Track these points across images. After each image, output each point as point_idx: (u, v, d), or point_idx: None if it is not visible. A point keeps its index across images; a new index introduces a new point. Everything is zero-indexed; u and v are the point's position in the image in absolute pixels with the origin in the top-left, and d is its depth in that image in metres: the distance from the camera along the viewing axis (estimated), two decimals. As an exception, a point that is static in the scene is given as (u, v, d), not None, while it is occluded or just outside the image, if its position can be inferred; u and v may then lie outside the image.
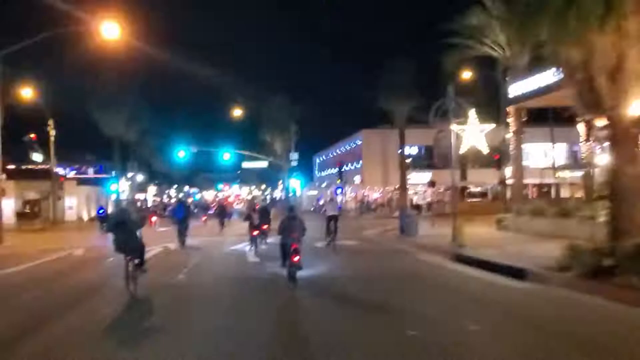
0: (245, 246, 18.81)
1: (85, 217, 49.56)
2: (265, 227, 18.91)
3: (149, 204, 67.21)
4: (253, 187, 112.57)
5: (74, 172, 57.86)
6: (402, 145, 44.35)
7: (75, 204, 47.55)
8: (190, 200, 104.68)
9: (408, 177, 48.04)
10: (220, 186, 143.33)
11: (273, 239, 17.52)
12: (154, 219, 33.21)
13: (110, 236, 10.74)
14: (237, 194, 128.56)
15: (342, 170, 43.20)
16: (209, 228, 31.32)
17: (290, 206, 13.95)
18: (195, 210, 45.40)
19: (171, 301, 9.90)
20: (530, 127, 30.04)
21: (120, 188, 51.29)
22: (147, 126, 54.73)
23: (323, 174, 70.84)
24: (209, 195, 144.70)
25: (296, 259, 10.72)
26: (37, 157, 31.08)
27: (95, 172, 61.40)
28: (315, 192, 68.74)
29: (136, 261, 10.12)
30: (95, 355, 6.47)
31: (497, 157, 35.63)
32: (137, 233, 10.40)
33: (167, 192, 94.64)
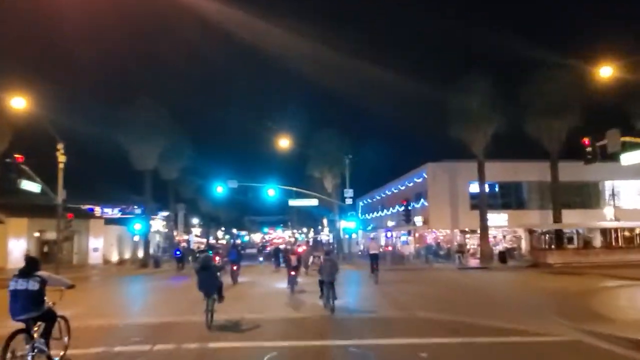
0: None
1: (115, 259, 40.71)
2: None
3: (192, 245, 58.23)
4: (296, 230, 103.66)
5: (119, 211, 49.75)
6: (481, 180, 33.66)
7: (101, 245, 38.72)
8: (238, 242, 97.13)
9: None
10: (266, 229, 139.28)
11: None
12: (217, 258, 28.21)
13: (195, 277, 11.61)
14: (282, 237, 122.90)
15: (409, 208, 32.73)
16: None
17: (327, 250, 18.53)
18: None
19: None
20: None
21: (153, 227, 42.57)
22: (186, 161, 46.45)
23: (368, 216, 60.23)
24: (256, 237, 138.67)
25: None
26: (28, 185, 22.11)
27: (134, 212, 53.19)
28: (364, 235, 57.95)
29: (215, 296, 11.13)
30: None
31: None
32: (218, 274, 11.71)
33: (213, 234, 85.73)
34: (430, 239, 39.94)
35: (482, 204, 33.97)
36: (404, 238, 50.90)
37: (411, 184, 44.45)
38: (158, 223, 45.65)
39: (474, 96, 32.83)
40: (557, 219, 33.39)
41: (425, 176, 40.07)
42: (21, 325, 6.86)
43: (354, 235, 42.19)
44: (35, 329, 7.01)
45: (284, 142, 36.43)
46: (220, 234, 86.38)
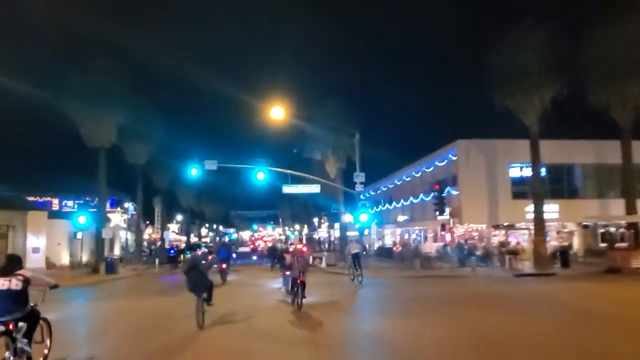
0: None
1: (65, 262, 32.12)
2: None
3: (167, 244, 49.67)
4: (287, 227, 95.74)
5: (79, 203, 40.84)
6: (536, 160, 25.71)
7: (43, 244, 30.09)
8: (226, 239, 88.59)
9: (526, 209, 29.33)
10: (256, 226, 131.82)
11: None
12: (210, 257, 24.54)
13: (184, 278, 11.02)
14: (271, 235, 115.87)
15: (442, 195, 24.47)
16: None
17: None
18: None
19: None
20: None
21: (113, 222, 34.17)
22: (158, 143, 37.91)
23: (371, 211, 51.82)
24: (245, 235, 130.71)
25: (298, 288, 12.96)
26: None
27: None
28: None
29: (204, 296, 10.79)
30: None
31: None
32: (207, 274, 11.21)
33: (196, 231, 76.34)
34: (455, 236, 31.68)
35: (537, 191, 25.93)
36: (413, 235, 43.11)
37: (430, 169, 36.32)
38: (118, 217, 37.09)
39: (529, 52, 24.93)
40: (632, 210, 25.50)
41: (453, 158, 31.96)
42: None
43: (365, 231, 33.85)
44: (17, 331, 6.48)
45: (277, 113, 28.05)
46: (204, 231, 77.54)
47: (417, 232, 41.67)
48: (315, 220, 58.72)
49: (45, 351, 7.25)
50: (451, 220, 30.29)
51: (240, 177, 38.23)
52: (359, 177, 28.94)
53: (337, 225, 46.24)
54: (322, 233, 58.47)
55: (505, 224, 30.71)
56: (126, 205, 34.44)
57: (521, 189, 30.44)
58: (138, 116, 33.71)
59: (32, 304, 6.82)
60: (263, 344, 8.98)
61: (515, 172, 30.90)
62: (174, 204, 61.73)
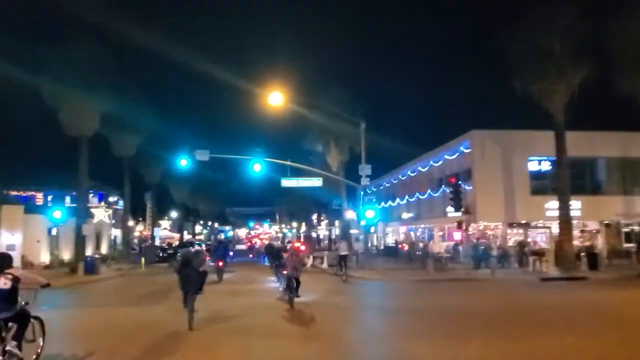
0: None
1: (44, 261, 29.49)
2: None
3: (157, 242, 47.05)
4: (284, 225, 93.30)
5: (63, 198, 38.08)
6: (561, 151, 23.31)
7: (19, 241, 27.41)
8: (221, 237, 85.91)
9: (545, 207, 27.00)
10: (252, 224, 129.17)
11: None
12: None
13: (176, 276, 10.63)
14: (267, 233, 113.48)
15: (459, 188, 21.90)
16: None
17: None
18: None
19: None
20: None
21: (97, 217, 31.61)
22: (148, 133, 35.27)
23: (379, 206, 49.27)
24: (241, 232, 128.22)
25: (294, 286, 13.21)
26: None
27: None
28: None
29: (194, 295, 10.28)
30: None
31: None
32: (200, 269, 10.71)
33: (190, 228, 73.39)
34: (468, 234, 29.09)
35: (563, 186, 23.48)
36: (417, 233, 40.64)
37: (439, 163, 33.83)
38: (102, 212, 34.42)
39: (555, 32, 22.51)
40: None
41: (466, 150, 29.44)
42: None
43: (372, 229, 31.24)
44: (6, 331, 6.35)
45: (276, 99, 25.47)
46: (198, 228, 74.83)
47: (422, 230, 39.22)
48: (314, 217, 56.16)
49: (38, 350, 7.07)
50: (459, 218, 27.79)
51: (236, 172, 35.83)
52: (365, 169, 26.43)
53: (338, 222, 43.82)
54: (321, 231, 55.90)
55: (522, 222, 28.24)
56: (111, 199, 31.78)
57: (541, 184, 28.02)
58: (125, 104, 31.03)
59: (22, 303, 6.65)
60: (257, 342, 8.92)
61: (534, 165, 28.47)
62: (167, 199, 59.08)
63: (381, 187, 48.94)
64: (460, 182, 22.58)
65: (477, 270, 23.33)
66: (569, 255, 22.63)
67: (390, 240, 45.91)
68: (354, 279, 22.33)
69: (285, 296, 13.95)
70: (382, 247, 32.89)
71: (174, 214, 62.92)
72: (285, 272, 15.73)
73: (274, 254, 22.97)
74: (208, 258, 27.77)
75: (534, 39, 22.82)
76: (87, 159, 27.46)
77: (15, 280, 6.41)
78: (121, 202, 42.53)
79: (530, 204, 27.53)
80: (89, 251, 37.62)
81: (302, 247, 19.13)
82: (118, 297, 16.96)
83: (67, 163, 32.34)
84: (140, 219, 52.37)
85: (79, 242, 27.11)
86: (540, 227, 28.38)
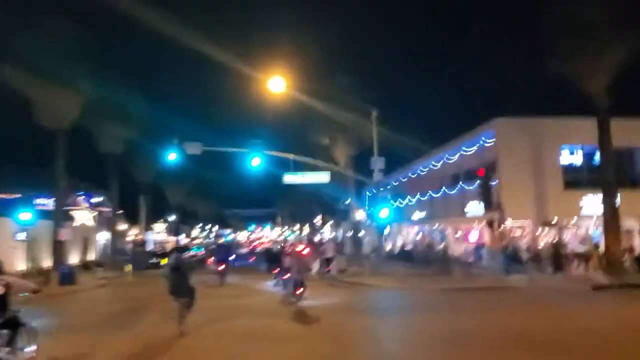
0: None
1: (21, 269, 26.34)
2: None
3: (151, 245, 43.92)
4: (286, 228, 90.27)
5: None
6: (605, 139, 20.24)
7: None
8: (221, 240, 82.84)
9: (580, 203, 23.99)
10: (252, 227, 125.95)
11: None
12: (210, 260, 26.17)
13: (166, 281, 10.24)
14: (269, 236, 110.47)
15: (489, 181, 18.71)
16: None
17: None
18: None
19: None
20: None
21: (79, 219, 28.57)
22: (138, 128, 32.24)
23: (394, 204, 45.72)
24: (241, 236, 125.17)
25: (299, 291, 13.31)
26: None
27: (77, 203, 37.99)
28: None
29: (186, 303, 9.97)
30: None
31: None
32: (190, 277, 10.37)
33: (187, 231, 70.27)
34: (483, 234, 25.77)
35: (609, 178, 20.30)
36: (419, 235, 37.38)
37: (455, 158, 30.65)
38: (84, 215, 31.28)
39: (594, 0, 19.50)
40: None
41: (488, 142, 26.33)
42: None
43: (386, 229, 27.88)
44: None
45: (277, 85, 22.41)
46: (196, 231, 71.61)
47: (435, 231, 36.05)
48: (318, 219, 53.00)
49: (30, 358, 6.92)
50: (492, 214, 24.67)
51: (235, 171, 32.60)
52: (378, 162, 23.37)
53: (344, 224, 40.72)
54: (326, 234, 52.76)
55: (554, 220, 25.08)
56: (95, 200, 28.73)
57: (575, 178, 24.94)
58: (110, 92, 28.12)
59: (14, 310, 6.58)
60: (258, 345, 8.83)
61: (567, 157, 25.40)
62: (162, 201, 56.00)
63: (389, 186, 45.74)
64: (490, 175, 19.51)
65: (508, 277, 20.13)
66: (617, 258, 19.51)
67: (399, 243, 42.80)
68: (366, 287, 19.33)
69: (288, 300, 14.05)
70: (396, 251, 29.78)
71: (171, 217, 59.93)
72: (286, 276, 15.57)
73: (272, 258, 21.69)
74: (210, 261, 25.44)
75: (571, 9, 19.80)
76: (65, 154, 24.41)
77: (7, 286, 6.40)
78: (102, 202, 39.64)
79: (563, 199, 24.41)
80: (74, 258, 34.76)
81: (304, 251, 16.99)
82: (79, 316, 13.68)
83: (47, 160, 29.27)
84: (132, 222, 49.18)
85: (56, 248, 23.99)
86: (575, 226, 25.27)
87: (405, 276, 21.05)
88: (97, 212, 28.69)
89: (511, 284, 18.26)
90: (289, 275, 15.43)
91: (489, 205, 19.12)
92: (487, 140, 26.91)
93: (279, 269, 18.67)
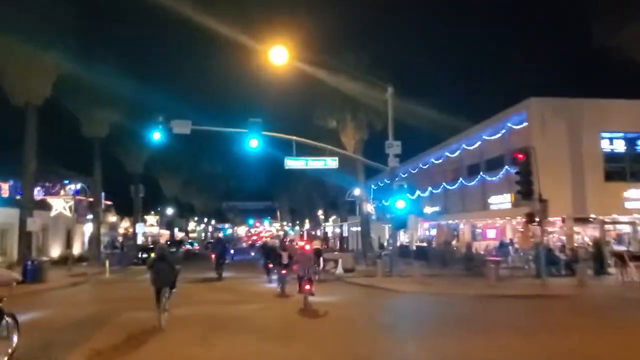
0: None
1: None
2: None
3: (139, 240, 40.80)
4: (285, 222, 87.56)
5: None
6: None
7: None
8: (219, 234, 79.90)
9: (625, 195, 20.89)
10: (252, 221, 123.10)
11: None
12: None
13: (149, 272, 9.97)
14: (269, 231, 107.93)
15: (529, 167, 15.61)
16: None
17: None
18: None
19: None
20: None
21: (58, 208, 25.59)
22: (125, 109, 29.06)
23: (385, 202, 42.42)
24: (241, 230, 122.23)
25: (307, 287, 12.16)
26: None
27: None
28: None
29: (166, 289, 9.69)
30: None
31: None
32: (175, 267, 10.15)
33: (184, 225, 66.86)
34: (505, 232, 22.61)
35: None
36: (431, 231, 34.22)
37: (476, 145, 27.51)
38: (61, 203, 28.11)
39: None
40: None
41: (516, 127, 23.18)
42: None
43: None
44: None
45: (279, 56, 19.23)
46: (192, 225, 68.44)
47: (453, 226, 32.91)
48: (320, 213, 49.82)
49: (9, 350, 6.87)
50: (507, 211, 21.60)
51: (232, 160, 29.51)
52: (394, 146, 20.24)
53: (350, 217, 37.60)
54: (329, 228, 49.58)
55: (592, 216, 21.99)
56: (72, 187, 25.60)
57: (617, 168, 21.86)
58: (91, 69, 24.99)
59: None
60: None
61: (608, 144, 22.29)
62: (156, 192, 52.80)
63: (397, 179, 42.48)
64: (528, 159, 16.35)
65: (546, 280, 17.01)
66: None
67: (403, 239, 39.65)
68: (382, 290, 16.31)
69: (280, 292, 14.79)
70: (413, 248, 26.66)
71: (165, 209, 56.72)
72: (284, 272, 15.46)
73: (268, 252, 20.67)
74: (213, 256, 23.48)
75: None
76: (35, 134, 21.25)
77: None
78: (106, 195, 36.49)
79: (604, 192, 21.31)
80: (55, 251, 31.68)
81: (308, 247, 15.40)
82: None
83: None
84: (123, 214, 46.03)
85: (24, 240, 20.84)
86: (621, 222, 22.22)
87: (426, 278, 17.96)
88: (72, 201, 25.53)
89: (559, 290, 15.19)
90: (285, 271, 15.37)
91: (529, 196, 16.07)
92: (514, 126, 23.78)
93: (272, 264, 18.73)
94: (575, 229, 22.35)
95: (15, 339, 6.97)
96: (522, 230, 24.02)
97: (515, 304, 13.21)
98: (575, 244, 21.64)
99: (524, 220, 18.45)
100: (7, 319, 6.79)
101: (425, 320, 11.30)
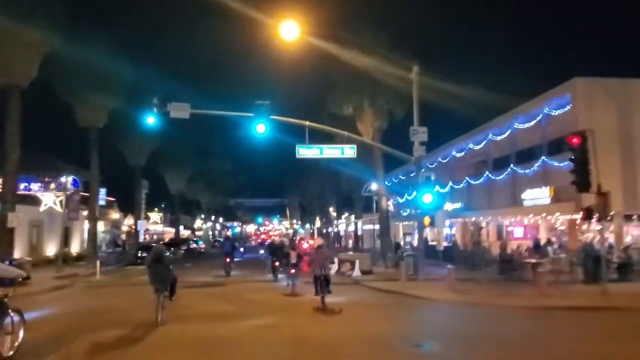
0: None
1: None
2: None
3: (141, 238, 38.65)
4: (295, 220, 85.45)
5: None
6: None
7: None
8: (228, 233, 78.07)
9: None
10: (260, 219, 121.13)
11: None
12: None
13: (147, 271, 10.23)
14: (278, 229, 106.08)
15: (585, 154, 13.16)
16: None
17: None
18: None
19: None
20: None
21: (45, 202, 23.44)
22: (126, 95, 26.88)
23: (401, 199, 39.80)
24: (250, 228, 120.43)
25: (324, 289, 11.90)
26: None
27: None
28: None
29: (166, 293, 10.13)
30: None
31: None
32: (171, 267, 10.54)
33: (190, 222, 64.59)
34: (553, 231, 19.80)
35: None
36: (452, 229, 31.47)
37: (503, 136, 24.91)
38: (51, 198, 25.90)
39: None
40: None
41: (554, 112, 20.51)
42: None
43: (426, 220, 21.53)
44: None
45: (289, 31, 16.79)
46: (199, 222, 66.23)
47: (482, 223, 30.21)
48: (332, 209, 47.29)
49: (16, 344, 6.99)
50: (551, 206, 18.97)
51: (241, 155, 27.26)
52: (419, 133, 17.70)
53: (365, 214, 35.05)
54: (342, 226, 47.02)
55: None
56: (63, 180, 23.40)
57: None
58: (85, 50, 22.78)
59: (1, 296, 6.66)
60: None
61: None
62: (160, 188, 50.73)
63: (412, 174, 39.95)
64: (585, 144, 13.76)
65: (604, 285, 14.38)
66: None
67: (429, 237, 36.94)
68: (410, 298, 13.91)
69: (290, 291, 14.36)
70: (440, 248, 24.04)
71: (170, 206, 54.55)
72: (292, 270, 15.26)
73: (274, 251, 20.54)
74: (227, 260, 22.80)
75: None
76: (18, 120, 18.98)
77: None
78: (103, 190, 34.40)
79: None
80: (51, 249, 29.58)
81: (306, 245, 16.67)
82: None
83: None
84: (126, 211, 43.96)
85: (4, 237, 18.56)
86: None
87: (460, 283, 15.44)
88: (63, 195, 23.33)
89: (623, 301, 12.59)
90: (294, 270, 15.16)
91: (586, 187, 13.45)
92: (553, 112, 21.10)
93: (278, 262, 18.85)
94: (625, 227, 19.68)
95: (21, 334, 7.16)
96: (562, 228, 21.35)
97: (577, 318, 10.68)
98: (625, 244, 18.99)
99: (580, 216, 15.70)
100: (12, 314, 6.94)
101: (480, 343, 8.70)
